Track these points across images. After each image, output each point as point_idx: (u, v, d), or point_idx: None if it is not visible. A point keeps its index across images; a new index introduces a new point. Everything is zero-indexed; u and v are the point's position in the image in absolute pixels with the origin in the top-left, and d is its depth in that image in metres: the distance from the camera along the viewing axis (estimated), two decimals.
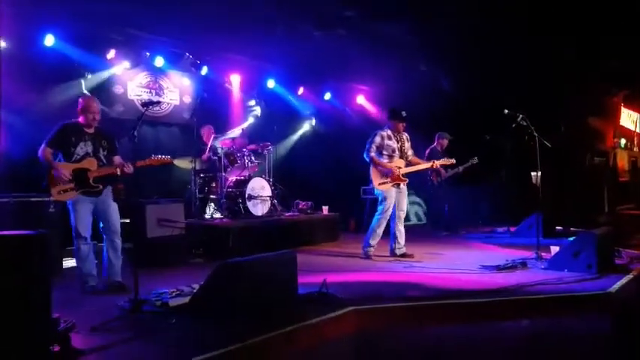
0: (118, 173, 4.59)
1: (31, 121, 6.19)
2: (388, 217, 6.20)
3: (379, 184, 6.17)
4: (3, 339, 2.53)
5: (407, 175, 6.25)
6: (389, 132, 6.22)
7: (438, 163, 6.48)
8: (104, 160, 4.65)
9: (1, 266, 2.58)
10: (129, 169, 4.53)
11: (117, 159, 4.69)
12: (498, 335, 3.96)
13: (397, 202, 6.20)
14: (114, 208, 4.67)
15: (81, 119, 4.61)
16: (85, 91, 7.25)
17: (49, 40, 6.87)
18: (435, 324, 3.95)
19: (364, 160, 6.26)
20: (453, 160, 6.63)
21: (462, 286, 4.59)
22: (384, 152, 6.17)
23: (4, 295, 2.56)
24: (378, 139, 6.17)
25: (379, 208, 6.23)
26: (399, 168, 6.17)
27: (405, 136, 6.36)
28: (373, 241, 6.22)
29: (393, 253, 6.20)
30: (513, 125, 6.13)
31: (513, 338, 3.94)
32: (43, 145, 4.46)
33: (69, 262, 5.83)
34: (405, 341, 3.74)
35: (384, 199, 6.16)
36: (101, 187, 4.57)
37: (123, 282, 4.54)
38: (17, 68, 6.39)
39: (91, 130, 4.63)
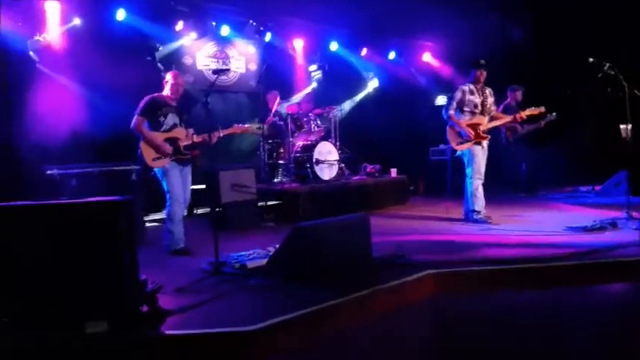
0: (213, 142, 4.77)
1: (109, 95, 6.45)
2: (483, 177, 5.85)
3: (457, 143, 5.89)
4: (95, 299, 2.67)
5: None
6: (471, 86, 5.88)
7: (524, 113, 6.00)
8: None
9: (93, 230, 2.72)
10: (215, 138, 4.77)
11: (190, 131, 4.91)
12: (588, 300, 3.73)
13: None
14: (190, 178, 4.96)
15: (167, 92, 4.86)
16: (159, 65, 7.44)
17: (121, 15, 7.05)
18: (520, 288, 3.76)
19: (431, 120, 6.00)
20: (542, 109, 6.09)
21: (546, 248, 4.33)
22: (466, 108, 5.86)
23: (96, 257, 2.70)
24: (458, 95, 5.87)
25: (468, 170, 5.89)
26: (479, 125, 5.83)
27: (489, 90, 5.99)
28: (477, 207, 5.83)
29: (467, 217, 5.97)
30: (599, 75, 5.63)
31: (604, 303, 3.71)
32: (135, 116, 4.68)
33: (150, 225, 6.16)
34: (486, 306, 3.61)
35: (472, 158, 5.83)
36: (190, 155, 4.86)
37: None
38: (93, 44, 6.65)
39: (174, 103, 4.88)
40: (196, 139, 4.83)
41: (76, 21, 6.76)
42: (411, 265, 3.88)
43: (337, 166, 7.49)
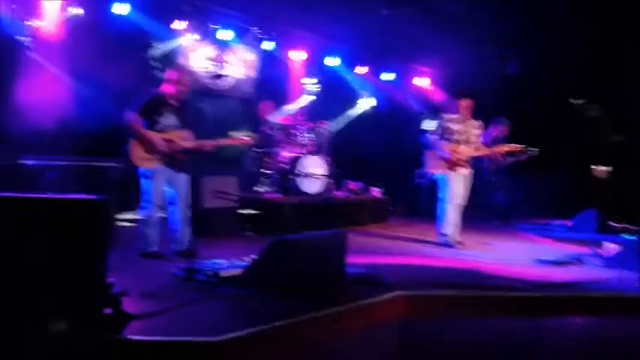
0: (208, 149, 4.66)
1: (98, 89, 6.38)
2: (454, 202, 5.93)
3: (433, 167, 6.03)
4: (58, 298, 2.64)
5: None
6: (454, 115, 6.02)
7: (502, 148, 6.26)
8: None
9: (65, 227, 2.68)
10: (210, 147, 4.63)
11: (187, 134, 4.73)
12: (550, 332, 3.83)
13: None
14: (187, 179, 4.74)
15: (169, 90, 4.67)
16: (154, 63, 7.39)
17: (120, 8, 6.92)
18: (485, 316, 3.85)
19: (418, 143, 6.14)
20: (521, 146, 6.32)
21: (515, 278, 4.46)
22: (447, 136, 5.97)
23: (64, 255, 2.67)
24: (441, 122, 6.03)
25: (441, 195, 6.01)
26: (458, 153, 5.94)
27: (477, 123, 6.13)
28: (446, 230, 5.95)
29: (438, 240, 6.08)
30: (582, 116, 5.82)
31: (565, 337, 3.81)
32: (132, 112, 4.52)
33: (124, 225, 6.07)
34: (452, 331, 3.68)
35: (446, 184, 5.95)
36: (183, 159, 4.67)
37: (192, 248, 4.62)
38: (88, 36, 6.55)
39: (175, 103, 4.70)
40: (192, 144, 4.66)
41: (75, 10, 6.69)
42: (382, 285, 3.94)
43: (322, 180, 7.53)
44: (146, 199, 4.60)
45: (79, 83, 6.57)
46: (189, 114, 4.82)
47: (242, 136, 4.99)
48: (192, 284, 3.71)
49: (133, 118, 4.50)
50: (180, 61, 8.12)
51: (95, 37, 6.64)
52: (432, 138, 5.99)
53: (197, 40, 8.04)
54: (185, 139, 4.66)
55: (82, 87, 6.55)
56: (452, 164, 5.91)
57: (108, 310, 2.75)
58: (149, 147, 4.51)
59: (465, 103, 5.98)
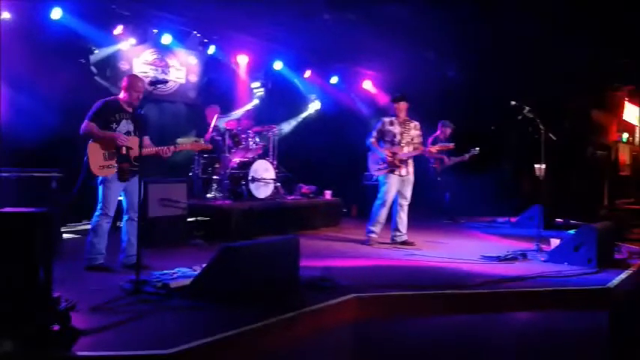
0: (167, 155, 4.57)
1: (36, 96, 6.10)
2: (389, 204, 6.19)
3: (376, 169, 6.26)
4: (3, 318, 2.53)
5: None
6: (392, 118, 6.25)
7: (434, 148, 6.64)
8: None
9: (3, 244, 2.57)
10: (168, 153, 4.54)
11: (146, 140, 4.58)
12: (498, 327, 3.98)
13: (400, 189, 6.20)
14: (137, 188, 4.51)
15: (123, 97, 4.57)
16: (93, 68, 7.14)
17: (56, 14, 6.72)
18: (435, 314, 3.95)
19: (367, 145, 6.31)
20: (450, 145, 6.69)
21: (463, 275, 4.61)
22: (386, 138, 6.21)
23: (5, 273, 2.55)
24: (379, 125, 6.27)
25: (378, 194, 6.28)
26: (395, 154, 6.13)
27: (414, 124, 6.34)
28: (374, 227, 6.25)
29: (393, 240, 6.24)
30: (519, 117, 6.11)
31: (511, 331, 3.97)
32: (86, 121, 4.38)
33: (68, 237, 5.83)
34: (404, 330, 3.76)
35: (383, 184, 6.20)
36: (139, 166, 4.51)
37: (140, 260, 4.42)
38: (22, 42, 6.27)
39: (130, 109, 4.58)
40: (150, 150, 4.52)
41: (5, 15, 6.38)
42: (336, 288, 3.96)
43: (273, 184, 7.50)
44: (99, 208, 4.48)
45: (14, 91, 6.23)
46: (145, 120, 4.73)
47: (193, 142, 4.94)
48: (141, 296, 3.59)
49: (86, 127, 4.37)
50: (122, 66, 7.90)
51: (31, 42, 6.36)
52: (371, 141, 6.20)
53: (134, 44, 7.84)
54: (143, 146, 4.47)
55: (17, 95, 6.21)
56: (392, 166, 6.10)
57: (56, 327, 2.62)
58: (109, 148, 4.39)
59: (401, 106, 6.23)
